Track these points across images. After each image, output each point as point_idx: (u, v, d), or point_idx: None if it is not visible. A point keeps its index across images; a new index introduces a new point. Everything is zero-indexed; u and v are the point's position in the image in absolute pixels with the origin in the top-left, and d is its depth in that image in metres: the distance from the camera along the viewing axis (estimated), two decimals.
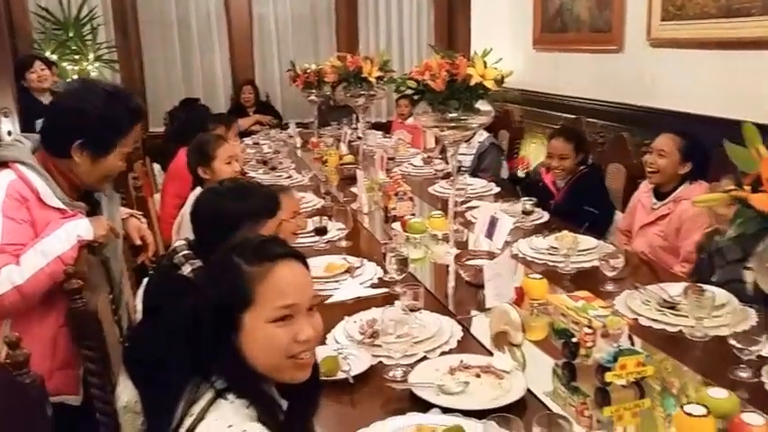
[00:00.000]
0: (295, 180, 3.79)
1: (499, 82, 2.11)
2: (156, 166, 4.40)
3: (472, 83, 2.06)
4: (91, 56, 5.59)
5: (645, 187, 2.97)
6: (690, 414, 1.23)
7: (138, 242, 2.16)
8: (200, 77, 6.29)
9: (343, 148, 4.35)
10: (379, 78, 3.20)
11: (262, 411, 1.06)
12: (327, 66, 3.85)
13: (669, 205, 2.80)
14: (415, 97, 2.19)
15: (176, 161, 3.51)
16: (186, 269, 1.65)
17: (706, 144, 2.84)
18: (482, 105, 2.16)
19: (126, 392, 1.61)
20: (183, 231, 2.49)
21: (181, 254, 1.69)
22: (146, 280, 1.89)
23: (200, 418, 1.02)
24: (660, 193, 2.86)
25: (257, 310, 1.08)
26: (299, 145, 4.89)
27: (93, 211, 1.91)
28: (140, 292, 1.91)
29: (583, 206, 3.09)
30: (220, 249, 1.17)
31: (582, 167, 3.30)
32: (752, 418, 1.22)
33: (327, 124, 5.28)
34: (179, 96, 5.90)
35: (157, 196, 3.78)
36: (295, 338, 1.10)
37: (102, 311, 1.71)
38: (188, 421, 1.03)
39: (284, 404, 1.15)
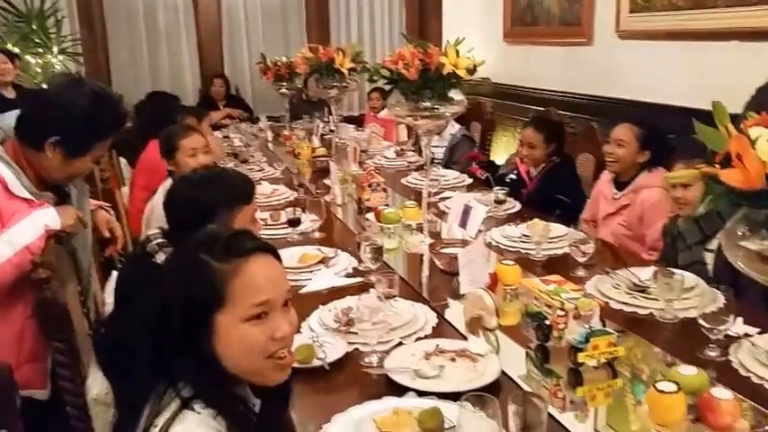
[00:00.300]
0: (267, 173, 3.76)
1: (471, 71, 2.12)
2: (123, 160, 4.32)
3: (445, 72, 2.06)
4: (55, 49, 5.46)
5: (605, 177, 3.02)
6: (661, 391, 1.25)
7: (107, 234, 2.12)
8: (167, 70, 6.19)
9: (316, 141, 4.33)
10: (351, 70, 3.19)
11: (231, 422, 1.01)
12: (299, 57, 3.82)
13: (629, 195, 2.84)
14: (388, 87, 2.19)
15: (146, 154, 3.45)
16: (160, 257, 1.63)
17: (669, 132, 2.89)
18: (455, 95, 2.18)
19: (96, 385, 1.58)
20: (152, 223, 2.45)
21: (155, 242, 1.66)
22: (115, 272, 1.86)
23: (165, 430, 0.98)
24: (620, 183, 2.90)
25: (231, 310, 1.03)
26: (270, 138, 4.86)
27: (62, 201, 1.87)
28: (110, 284, 1.88)
29: (555, 195, 3.13)
30: (185, 246, 1.10)
31: (554, 158, 3.34)
32: (720, 392, 1.25)
33: (299, 118, 5.24)
34: (145, 90, 5.78)
35: (125, 189, 3.72)
36: (272, 336, 1.05)
37: (70, 303, 1.67)
38: None
39: (257, 402, 1.11)
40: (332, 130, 4.22)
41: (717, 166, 0.92)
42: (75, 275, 1.90)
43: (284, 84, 4.53)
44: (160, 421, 0.99)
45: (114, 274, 1.90)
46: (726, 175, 0.81)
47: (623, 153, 2.84)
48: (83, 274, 1.95)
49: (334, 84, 3.23)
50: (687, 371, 1.34)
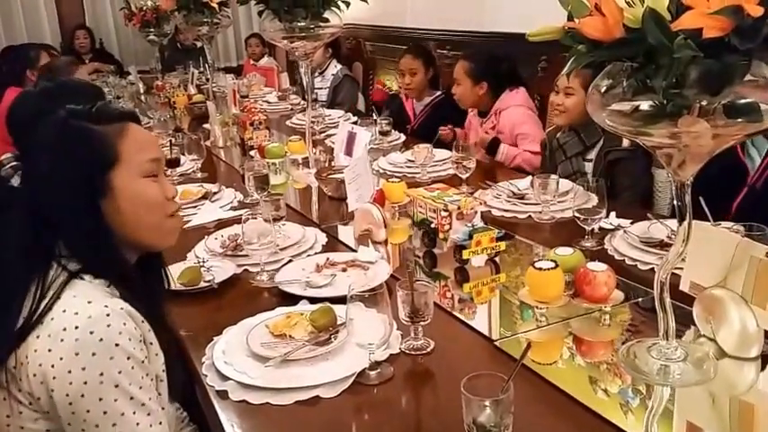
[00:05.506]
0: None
1: None
2: None
3: None
4: None
5: (471, 110, 3.09)
6: (540, 269, 1.31)
7: None
8: (22, 24, 5.67)
9: (192, 90, 4.14)
10: (221, 4, 3.04)
11: (125, 290, 1.00)
12: None
13: (492, 118, 2.91)
14: (259, 8, 2.11)
15: (4, 105, 3.15)
16: (16, 181, 1.48)
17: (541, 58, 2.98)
18: (330, 16, 2.13)
19: None
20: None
21: (8, 166, 1.51)
22: None
23: (57, 296, 0.95)
24: (483, 113, 2.97)
25: (126, 168, 1.04)
26: (142, 90, 4.58)
27: None
28: None
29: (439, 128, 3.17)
30: (49, 121, 1.05)
31: (438, 93, 3.38)
32: (596, 266, 1.33)
33: (172, 70, 4.98)
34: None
35: None
36: (166, 196, 1.09)
37: None
38: (43, 303, 0.94)
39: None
40: (208, 79, 4.04)
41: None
42: None
43: (152, 30, 4.27)
44: (50, 292, 0.96)
45: None
46: (586, 24, 0.84)
47: (461, 90, 2.89)
48: None
49: (205, 20, 3.07)
50: (564, 251, 1.41)
